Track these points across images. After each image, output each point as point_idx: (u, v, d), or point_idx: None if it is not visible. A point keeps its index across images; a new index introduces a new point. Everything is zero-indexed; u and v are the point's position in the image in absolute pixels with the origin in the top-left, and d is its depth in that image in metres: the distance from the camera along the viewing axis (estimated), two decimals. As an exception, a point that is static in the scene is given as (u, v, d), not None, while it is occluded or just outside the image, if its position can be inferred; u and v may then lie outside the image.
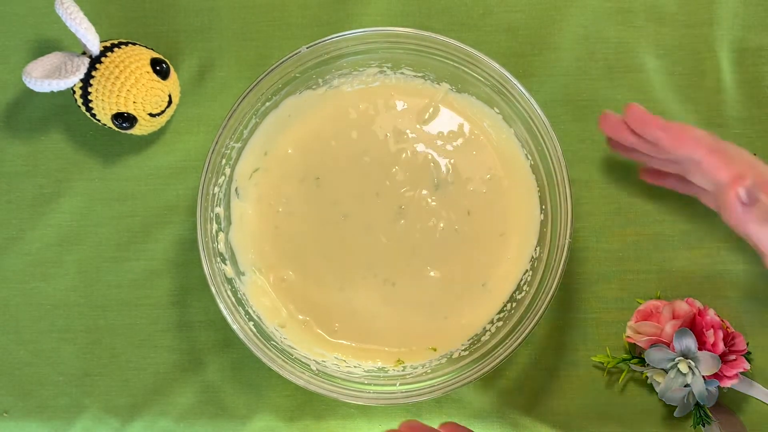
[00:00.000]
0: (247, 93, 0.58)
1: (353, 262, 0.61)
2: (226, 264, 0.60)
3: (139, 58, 0.63)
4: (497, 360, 0.55)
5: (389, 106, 0.62)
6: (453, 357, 0.60)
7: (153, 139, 0.68)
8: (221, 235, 0.60)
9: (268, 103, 0.61)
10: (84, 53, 0.62)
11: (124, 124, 0.63)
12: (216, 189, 0.59)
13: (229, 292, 0.59)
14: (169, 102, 0.65)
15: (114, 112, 0.62)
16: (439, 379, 0.57)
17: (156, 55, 0.64)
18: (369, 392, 0.56)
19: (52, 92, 0.61)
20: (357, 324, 0.61)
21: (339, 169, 0.62)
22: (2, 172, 0.69)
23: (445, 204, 0.61)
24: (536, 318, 0.55)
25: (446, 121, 0.62)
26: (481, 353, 0.57)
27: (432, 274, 0.61)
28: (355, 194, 0.62)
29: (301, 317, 0.61)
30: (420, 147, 0.62)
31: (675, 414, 0.61)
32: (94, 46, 0.61)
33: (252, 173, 0.62)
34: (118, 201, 0.68)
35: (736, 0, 0.66)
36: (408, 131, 0.62)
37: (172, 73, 0.65)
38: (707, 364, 0.58)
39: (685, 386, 0.59)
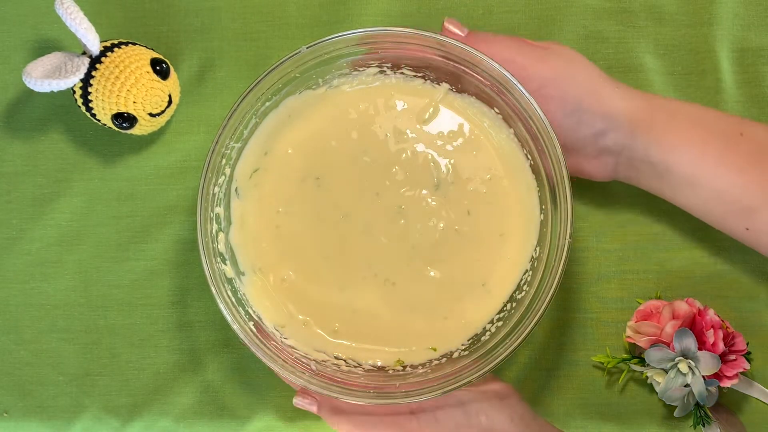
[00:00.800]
0: (247, 93, 0.58)
1: (353, 262, 0.61)
2: (226, 264, 0.60)
3: (139, 58, 0.63)
4: (497, 360, 0.55)
5: (389, 106, 0.62)
6: (453, 357, 0.60)
7: (153, 139, 0.68)
8: (221, 235, 0.60)
9: (268, 103, 0.61)
10: (84, 53, 0.62)
11: (124, 124, 0.63)
12: (216, 189, 0.59)
13: (229, 292, 0.59)
14: (169, 102, 0.65)
15: (114, 112, 0.62)
16: (439, 380, 0.57)
17: (156, 55, 0.64)
18: (369, 392, 0.56)
19: (52, 92, 0.61)
20: (357, 324, 0.61)
21: (339, 169, 0.62)
22: (2, 172, 0.69)
23: (445, 204, 0.61)
24: (536, 318, 0.55)
25: (446, 121, 0.62)
26: (481, 353, 0.57)
27: (432, 274, 0.61)
28: (355, 194, 0.62)
29: (301, 317, 0.61)
30: (420, 147, 0.62)
31: (675, 414, 0.61)
32: (94, 46, 0.61)
33: (252, 173, 0.62)
34: (118, 201, 0.68)
35: (736, 0, 0.66)
36: (408, 131, 0.62)
37: (172, 73, 0.65)
38: (707, 364, 0.58)
39: (685, 386, 0.59)
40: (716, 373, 0.59)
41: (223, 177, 0.60)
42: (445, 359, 0.60)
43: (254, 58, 0.68)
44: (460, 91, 0.62)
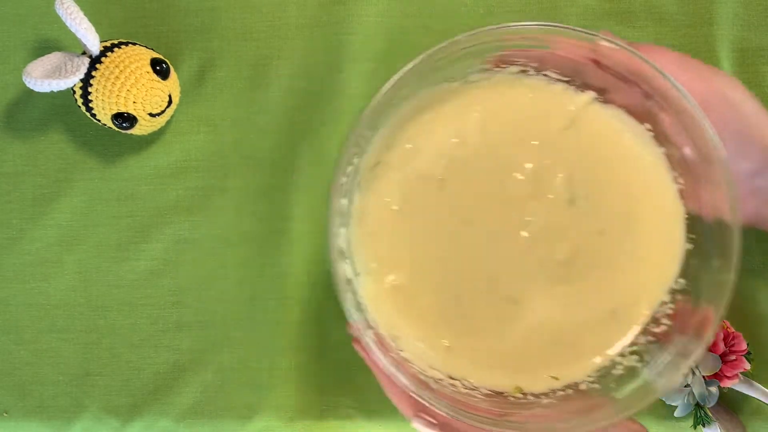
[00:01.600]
0: (397, 80, 0.50)
1: (472, 274, 0.55)
2: (345, 263, 0.53)
3: (139, 58, 0.63)
4: (642, 404, 0.49)
5: (524, 110, 0.55)
6: (580, 388, 0.53)
7: (153, 139, 0.68)
8: (342, 230, 0.54)
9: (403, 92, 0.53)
10: (84, 53, 0.62)
11: (124, 124, 0.63)
12: (344, 179, 0.52)
13: (350, 294, 0.52)
14: (169, 102, 0.65)
15: (114, 112, 0.62)
16: (570, 414, 0.51)
17: (156, 55, 0.64)
18: (497, 420, 0.51)
19: (52, 92, 0.61)
20: (471, 342, 0.55)
21: (463, 171, 0.55)
22: (2, 172, 0.69)
23: (577, 221, 0.54)
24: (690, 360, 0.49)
25: (586, 132, 0.55)
26: (616, 391, 0.51)
27: (557, 295, 0.54)
28: (477, 200, 0.55)
29: (415, 332, 0.55)
30: (554, 156, 0.54)
31: (675, 414, 0.61)
32: (94, 46, 0.61)
33: (374, 166, 0.55)
34: (118, 201, 0.68)
35: (736, 0, 0.66)
36: (543, 138, 0.55)
37: (172, 73, 0.65)
38: (707, 364, 0.58)
39: (685, 386, 0.59)
40: (716, 373, 0.59)
41: (351, 167, 0.53)
42: (571, 390, 0.54)
43: (254, 58, 0.68)
44: (606, 101, 0.54)
